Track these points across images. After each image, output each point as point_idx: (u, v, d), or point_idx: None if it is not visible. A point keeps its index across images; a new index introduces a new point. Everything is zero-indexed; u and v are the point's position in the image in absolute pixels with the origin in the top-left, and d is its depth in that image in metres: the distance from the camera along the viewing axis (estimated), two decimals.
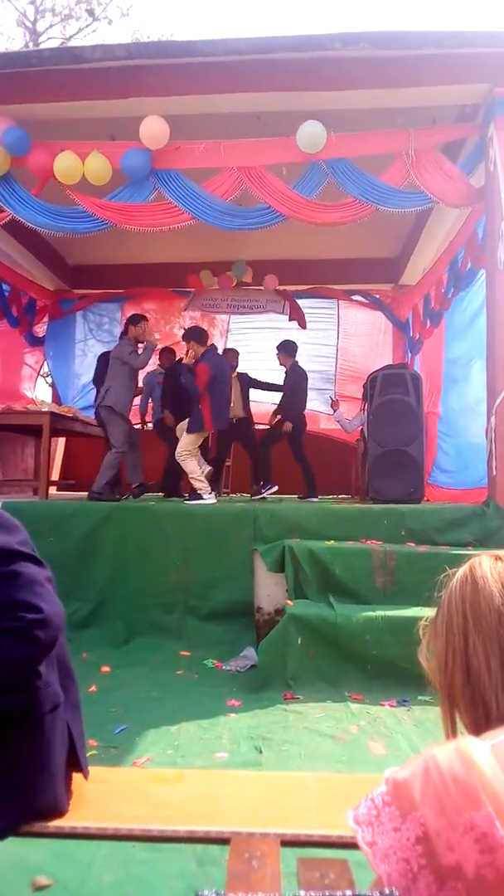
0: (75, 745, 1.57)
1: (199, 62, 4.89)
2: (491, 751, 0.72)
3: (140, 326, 6.23)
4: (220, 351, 6.94)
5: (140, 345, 6.23)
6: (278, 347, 6.96)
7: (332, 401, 7.50)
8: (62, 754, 1.52)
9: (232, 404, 6.85)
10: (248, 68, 4.91)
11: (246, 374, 7.36)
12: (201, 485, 5.75)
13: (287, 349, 6.91)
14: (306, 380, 6.91)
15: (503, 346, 4.86)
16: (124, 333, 6.37)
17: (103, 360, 6.79)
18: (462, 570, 0.94)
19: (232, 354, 7.33)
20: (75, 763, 1.58)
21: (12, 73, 5.02)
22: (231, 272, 8.37)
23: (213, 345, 6.34)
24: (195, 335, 6.13)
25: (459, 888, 0.64)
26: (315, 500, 6.48)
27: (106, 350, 6.91)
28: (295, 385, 6.79)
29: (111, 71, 4.96)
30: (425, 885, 0.66)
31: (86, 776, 1.60)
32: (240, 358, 7.47)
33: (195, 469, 5.82)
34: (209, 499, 5.67)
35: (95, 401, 6.81)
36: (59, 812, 1.48)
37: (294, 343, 6.99)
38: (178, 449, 5.91)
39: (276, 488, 6.42)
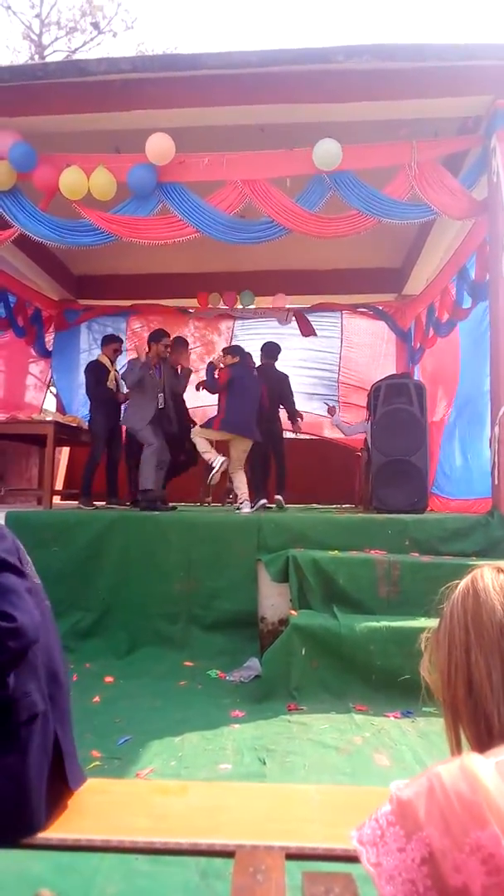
0: (63, 757, 1.56)
1: (203, 75, 4.93)
2: (496, 768, 0.71)
3: (162, 344, 6.25)
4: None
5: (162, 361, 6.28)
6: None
7: (329, 406, 7.47)
8: (41, 766, 1.50)
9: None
10: (251, 81, 4.95)
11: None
12: (210, 455, 5.90)
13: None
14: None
15: None
16: (148, 350, 6.31)
17: (86, 370, 6.87)
18: (464, 582, 0.93)
19: (248, 359, 7.30)
20: (65, 775, 1.57)
21: (18, 86, 5.07)
22: (238, 298, 8.39)
23: (244, 360, 6.32)
24: (232, 351, 6.32)
25: None
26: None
27: (93, 360, 6.94)
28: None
29: (116, 84, 5.00)
30: None
31: (72, 789, 1.58)
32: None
33: (204, 445, 5.98)
34: (244, 507, 5.82)
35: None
36: (33, 827, 1.46)
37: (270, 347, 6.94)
38: (196, 432, 6.10)
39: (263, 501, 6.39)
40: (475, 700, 0.86)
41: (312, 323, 8.79)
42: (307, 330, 8.69)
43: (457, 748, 0.91)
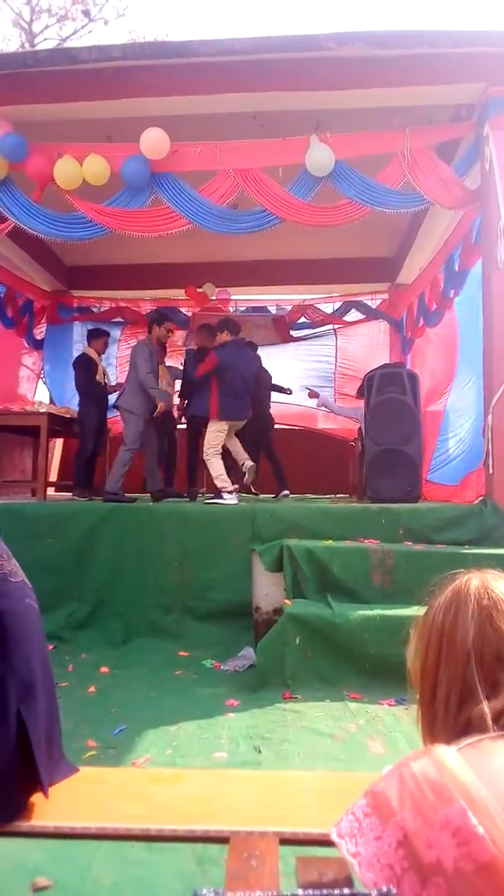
0: (34, 756, 1.55)
1: (194, 62, 4.90)
2: (459, 753, 0.76)
3: (164, 328, 6.22)
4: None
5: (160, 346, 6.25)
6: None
7: (310, 391, 7.44)
8: None
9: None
10: (243, 68, 4.92)
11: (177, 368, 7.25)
12: (224, 484, 5.77)
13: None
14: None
15: (500, 344, 4.87)
16: (148, 332, 6.31)
17: (76, 365, 6.83)
18: (453, 586, 0.95)
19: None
20: (36, 774, 1.56)
21: (8, 74, 5.03)
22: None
23: (236, 341, 6.19)
24: (221, 326, 6.16)
25: (441, 883, 0.66)
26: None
27: (80, 354, 6.93)
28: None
29: (107, 72, 4.96)
30: (409, 886, 0.68)
31: (44, 791, 1.56)
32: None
33: (219, 469, 5.83)
34: (229, 499, 5.65)
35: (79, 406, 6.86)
36: None
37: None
38: (204, 448, 5.96)
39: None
40: (434, 712, 0.92)
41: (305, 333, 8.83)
42: (281, 332, 8.69)
43: (428, 737, 0.96)
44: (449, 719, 0.88)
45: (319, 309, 8.92)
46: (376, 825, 0.73)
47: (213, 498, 5.71)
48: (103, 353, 6.95)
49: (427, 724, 0.93)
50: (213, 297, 8.45)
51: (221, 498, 5.65)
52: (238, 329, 6.25)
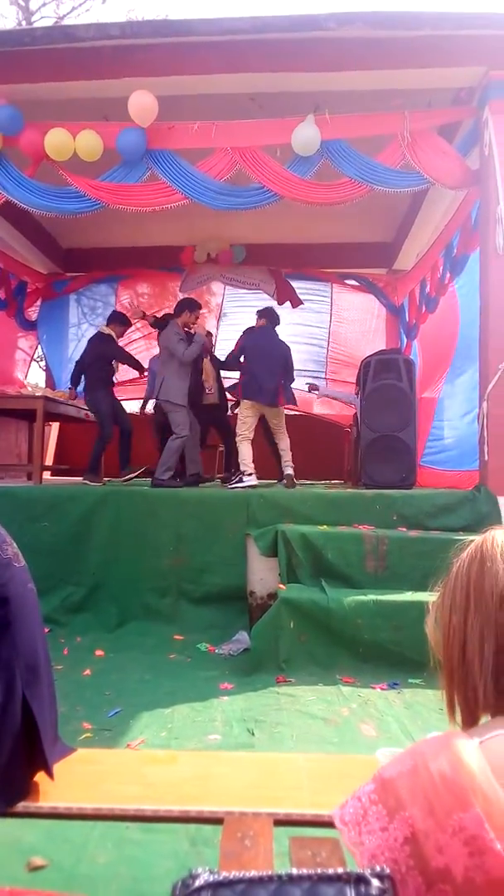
0: (41, 743, 1.56)
1: (193, 42, 4.84)
2: (480, 749, 0.71)
3: (195, 314, 6.19)
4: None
5: (188, 331, 6.17)
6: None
7: (310, 386, 7.46)
8: None
9: (209, 390, 6.88)
10: (242, 48, 4.86)
11: (216, 357, 7.31)
12: (246, 468, 5.90)
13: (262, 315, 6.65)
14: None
15: (496, 331, 4.87)
16: (173, 317, 6.25)
17: (94, 342, 6.72)
18: (474, 544, 0.92)
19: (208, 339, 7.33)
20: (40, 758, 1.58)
21: (5, 53, 4.96)
22: (231, 251, 8.30)
23: (262, 326, 6.31)
24: (263, 313, 6.36)
25: (448, 891, 0.63)
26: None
27: (99, 332, 6.82)
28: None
29: (105, 50, 4.90)
30: (414, 887, 0.65)
31: (50, 774, 1.59)
32: (231, 335, 7.47)
33: (246, 454, 5.96)
34: (249, 480, 5.80)
35: (72, 382, 6.81)
36: None
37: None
38: (237, 430, 6.12)
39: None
40: (466, 668, 0.86)
41: (301, 297, 8.72)
42: (287, 298, 8.59)
43: (451, 709, 0.90)
44: (485, 670, 0.83)
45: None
46: (383, 815, 0.69)
47: (236, 482, 5.90)
48: (120, 338, 6.89)
49: (459, 686, 0.87)
50: (214, 254, 8.31)
51: (241, 481, 5.81)
52: (277, 320, 6.42)
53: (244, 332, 6.40)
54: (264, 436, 6.72)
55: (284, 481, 6.14)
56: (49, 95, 5.19)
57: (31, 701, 1.56)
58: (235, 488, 5.63)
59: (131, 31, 4.87)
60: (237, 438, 6.11)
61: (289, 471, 6.16)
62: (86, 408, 7.21)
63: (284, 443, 6.32)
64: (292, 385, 6.51)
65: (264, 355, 6.05)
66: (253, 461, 5.96)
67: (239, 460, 6.03)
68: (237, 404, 6.58)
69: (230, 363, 6.48)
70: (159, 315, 6.98)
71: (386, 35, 4.79)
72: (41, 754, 1.57)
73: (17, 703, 1.55)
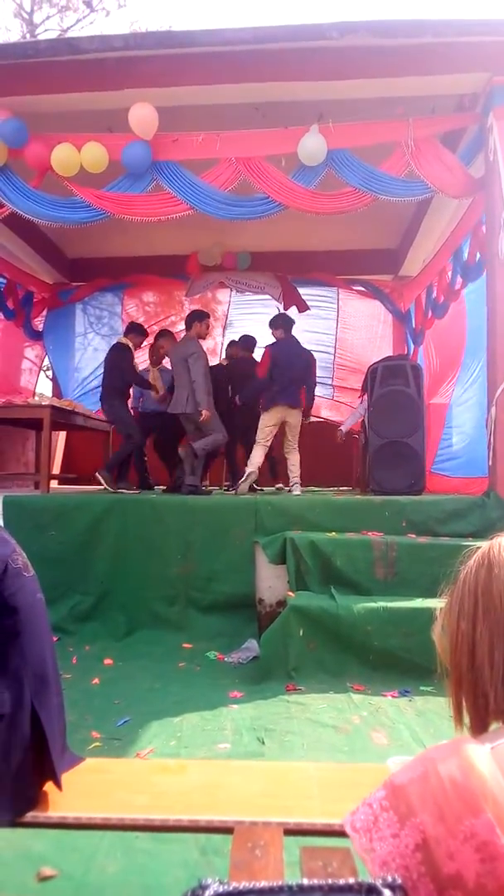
0: (49, 752, 1.56)
1: (196, 52, 4.87)
2: (491, 755, 0.71)
3: (205, 323, 6.26)
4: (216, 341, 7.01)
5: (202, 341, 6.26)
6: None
7: (338, 431, 7.50)
8: (5, 761, 1.50)
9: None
10: (245, 59, 4.88)
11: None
12: (250, 470, 6.04)
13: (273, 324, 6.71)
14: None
15: (503, 337, 4.85)
16: (187, 328, 6.30)
17: (110, 352, 6.72)
18: (481, 551, 0.92)
19: (236, 348, 7.39)
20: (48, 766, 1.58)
21: (9, 65, 4.99)
22: (236, 258, 8.33)
23: (281, 339, 6.40)
24: (277, 323, 6.43)
25: None
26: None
27: (117, 342, 6.82)
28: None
29: (108, 62, 4.93)
30: (425, 894, 0.64)
31: (58, 785, 1.58)
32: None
33: (256, 460, 6.09)
34: (250, 478, 5.98)
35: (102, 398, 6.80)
36: None
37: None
38: (258, 435, 6.22)
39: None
40: (476, 675, 0.85)
41: (308, 302, 8.73)
42: (293, 303, 8.60)
43: (458, 716, 0.90)
44: (495, 676, 0.83)
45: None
46: (394, 822, 0.69)
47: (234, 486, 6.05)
48: (138, 349, 6.91)
49: (468, 693, 0.87)
50: (219, 261, 8.34)
51: (245, 478, 5.96)
52: (290, 325, 6.49)
53: (266, 349, 6.33)
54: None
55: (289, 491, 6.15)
56: (53, 107, 5.23)
57: (40, 710, 1.56)
58: (239, 485, 5.77)
59: (134, 43, 4.91)
60: (256, 443, 6.20)
61: (297, 491, 6.16)
62: (96, 417, 7.25)
63: (295, 457, 6.34)
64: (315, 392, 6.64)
65: (288, 366, 6.12)
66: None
67: (248, 460, 6.11)
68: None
69: (262, 386, 6.26)
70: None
71: (388, 43, 4.81)
72: (50, 764, 1.56)
73: (27, 712, 1.55)
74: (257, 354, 7.28)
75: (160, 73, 4.96)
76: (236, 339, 7.70)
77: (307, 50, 4.84)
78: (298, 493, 6.11)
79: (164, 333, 7.06)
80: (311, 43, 4.81)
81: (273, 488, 6.99)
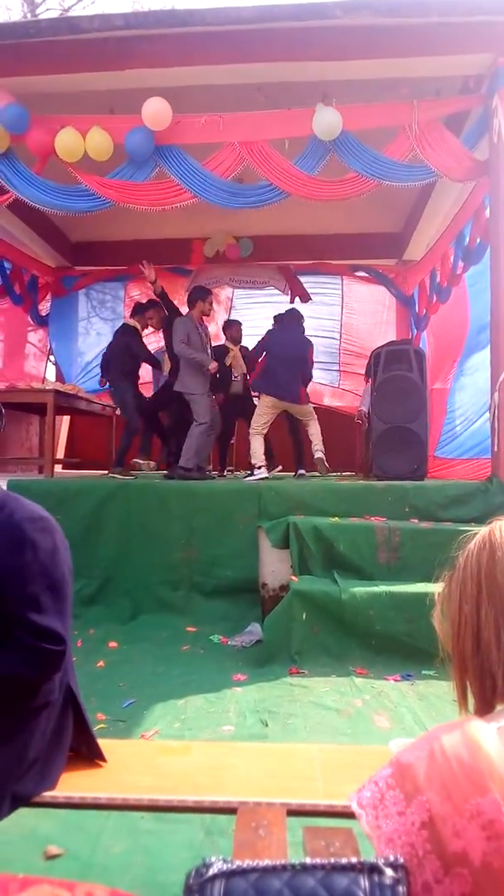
0: (87, 730, 1.62)
1: (198, 32, 4.81)
2: (498, 734, 0.71)
3: (208, 301, 6.24)
4: (219, 324, 6.99)
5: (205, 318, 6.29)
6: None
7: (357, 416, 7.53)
8: (40, 744, 1.52)
9: (236, 378, 6.92)
10: (248, 38, 4.82)
11: (247, 348, 7.36)
12: (257, 461, 5.96)
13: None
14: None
15: None
16: (190, 306, 6.29)
17: (117, 334, 6.71)
18: (481, 534, 0.91)
19: (236, 328, 7.33)
20: (86, 748, 1.63)
21: (9, 45, 4.94)
22: (238, 246, 8.28)
23: (281, 324, 6.50)
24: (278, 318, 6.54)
25: (465, 874, 0.63)
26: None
27: (123, 324, 6.81)
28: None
29: (110, 42, 4.88)
30: (431, 871, 0.65)
31: (100, 758, 1.63)
32: (242, 332, 7.47)
33: (257, 448, 6.03)
34: (260, 473, 5.87)
35: (101, 373, 6.79)
36: (26, 798, 1.50)
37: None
38: (252, 423, 6.18)
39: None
40: (482, 657, 0.85)
41: (312, 290, 8.70)
42: (300, 293, 8.59)
43: (463, 699, 0.90)
44: (502, 657, 0.83)
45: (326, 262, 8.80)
46: (400, 800, 0.69)
47: (248, 475, 5.94)
48: (145, 329, 6.89)
49: (474, 675, 0.87)
50: (222, 249, 8.29)
51: (253, 475, 5.86)
52: (300, 318, 6.56)
53: (267, 333, 6.45)
54: (288, 429, 6.75)
55: (315, 467, 6.12)
56: (54, 88, 5.18)
57: (76, 691, 1.61)
58: (249, 482, 5.63)
59: (136, 22, 4.85)
60: (250, 431, 6.14)
61: (319, 454, 6.15)
62: (99, 402, 7.24)
63: (314, 426, 6.33)
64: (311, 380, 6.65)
65: (283, 353, 6.11)
66: (265, 454, 6.00)
67: (250, 453, 6.05)
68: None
69: (250, 358, 6.50)
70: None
71: (393, 22, 4.74)
72: (93, 742, 1.62)
73: (72, 694, 1.60)
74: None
75: (162, 53, 4.91)
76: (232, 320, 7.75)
77: (311, 29, 4.78)
78: (320, 455, 6.11)
79: (153, 304, 6.95)
80: (314, 22, 4.75)
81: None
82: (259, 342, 6.41)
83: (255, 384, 6.28)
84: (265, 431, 6.16)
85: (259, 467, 5.90)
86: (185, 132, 5.14)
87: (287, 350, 6.15)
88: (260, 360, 6.28)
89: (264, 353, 6.24)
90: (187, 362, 5.94)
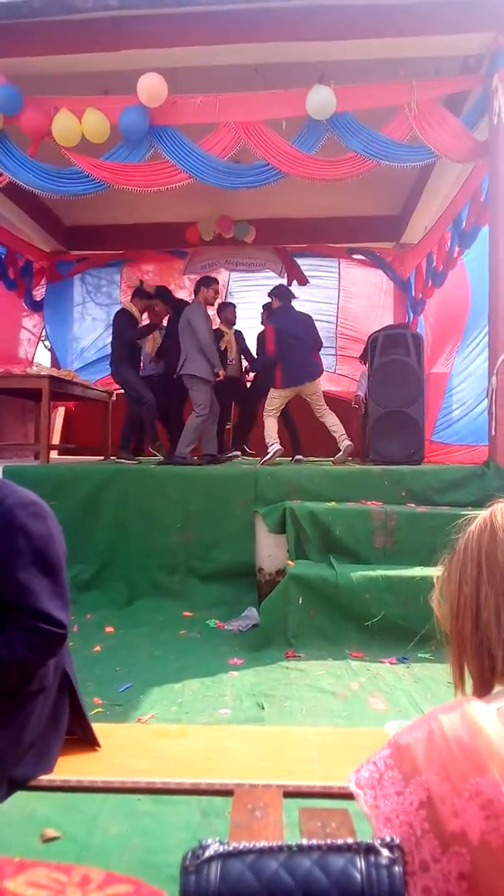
0: (82, 716, 1.62)
1: (193, 12, 4.74)
2: (497, 715, 0.71)
3: (212, 289, 6.22)
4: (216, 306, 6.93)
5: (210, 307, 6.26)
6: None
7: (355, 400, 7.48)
8: (37, 728, 1.54)
9: (231, 361, 6.89)
10: (244, 18, 4.75)
11: (240, 333, 7.32)
12: (270, 439, 5.96)
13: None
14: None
15: None
16: (195, 294, 6.28)
17: (115, 318, 6.67)
18: (482, 516, 0.91)
19: (230, 310, 7.30)
20: (81, 732, 1.63)
21: (2, 25, 4.87)
22: (234, 230, 8.21)
23: (278, 307, 6.35)
24: (274, 293, 6.39)
25: (463, 853, 0.64)
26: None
27: (121, 308, 6.77)
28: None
29: (104, 22, 4.81)
30: (429, 850, 0.65)
31: (94, 743, 1.64)
32: (238, 314, 7.45)
33: (271, 427, 6.02)
34: (273, 448, 5.86)
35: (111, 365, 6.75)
36: (23, 781, 1.51)
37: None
38: (266, 406, 6.14)
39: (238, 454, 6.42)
40: (481, 637, 0.86)
41: (309, 273, 8.65)
42: (297, 276, 8.55)
43: (460, 681, 0.90)
44: (501, 637, 0.83)
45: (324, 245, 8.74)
46: (398, 779, 0.69)
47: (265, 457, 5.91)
48: (143, 313, 6.83)
49: (473, 656, 0.87)
50: (215, 229, 8.22)
51: (268, 454, 5.85)
52: (290, 296, 6.40)
53: (267, 326, 6.22)
54: (281, 416, 6.72)
55: (342, 456, 5.99)
56: (48, 69, 5.11)
57: (73, 676, 1.62)
58: (266, 461, 5.69)
59: (130, 2, 4.77)
60: (264, 413, 6.13)
61: (346, 442, 6.00)
62: (95, 388, 7.21)
63: (331, 418, 6.15)
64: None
65: (295, 334, 5.97)
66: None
67: (264, 433, 6.02)
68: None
69: (268, 361, 6.13)
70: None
71: (392, 1, 4.68)
72: (88, 727, 1.62)
73: (67, 680, 1.60)
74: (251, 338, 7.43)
75: (157, 33, 4.84)
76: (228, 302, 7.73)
77: (307, 8, 4.72)
78: (348, 442, 5.98)
79: (163, 294, 6.89)
80: (311, 1, 4.68)
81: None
82: (266, 340, 6.15)
83: (282, 384, 6.02)
84: (277, 415, 6.15)
85: (272, 444, 5.89)
86: (180, 113, 5.07)
87: (295, 329, 6.02)
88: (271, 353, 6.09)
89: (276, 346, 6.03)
90: (198, 351, 5.88)
